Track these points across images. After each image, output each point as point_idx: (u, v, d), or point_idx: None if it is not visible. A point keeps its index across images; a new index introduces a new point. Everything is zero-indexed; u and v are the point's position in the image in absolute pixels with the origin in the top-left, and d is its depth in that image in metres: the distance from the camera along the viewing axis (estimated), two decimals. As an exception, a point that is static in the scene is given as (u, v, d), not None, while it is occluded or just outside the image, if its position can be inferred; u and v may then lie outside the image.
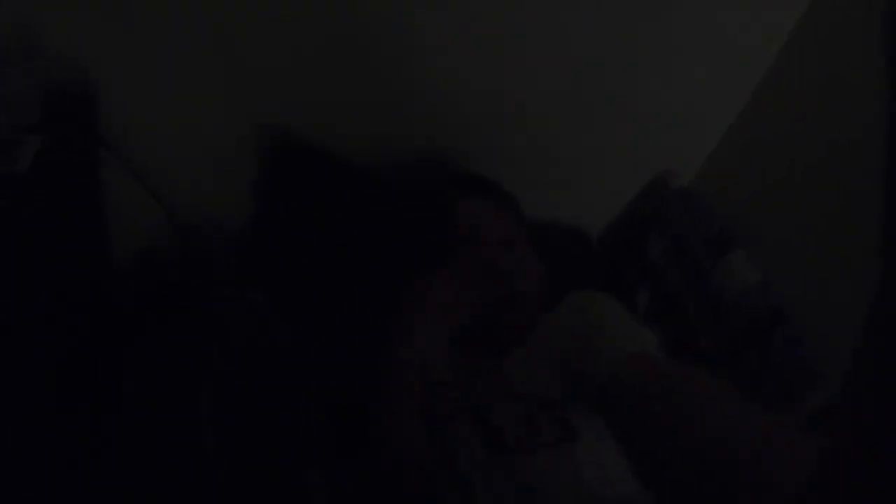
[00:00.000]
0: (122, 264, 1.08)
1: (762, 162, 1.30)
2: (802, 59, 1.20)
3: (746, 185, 1.33)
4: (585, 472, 0.79)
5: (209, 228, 1.20)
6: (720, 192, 1.36)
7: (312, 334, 0.99)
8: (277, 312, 0.95)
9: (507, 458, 0.83)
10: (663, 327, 1.31)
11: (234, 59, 1.07)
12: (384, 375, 0.86)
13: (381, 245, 1.05)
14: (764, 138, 1.30)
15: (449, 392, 0.93)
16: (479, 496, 0.80)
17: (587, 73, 1.20)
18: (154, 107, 1.10)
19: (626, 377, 0.71)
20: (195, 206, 1.20)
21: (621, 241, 1.47)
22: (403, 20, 1.07)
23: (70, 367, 0.88)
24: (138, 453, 0.85)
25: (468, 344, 0.99)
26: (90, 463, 0.83)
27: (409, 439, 0.84)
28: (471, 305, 0.92)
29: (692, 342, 1.24)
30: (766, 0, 1.14)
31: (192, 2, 0.99)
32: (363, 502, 0.87)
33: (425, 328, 0.88)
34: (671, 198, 1.37)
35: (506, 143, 1.29)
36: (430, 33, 1.09)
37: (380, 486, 0.83)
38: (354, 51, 1.10)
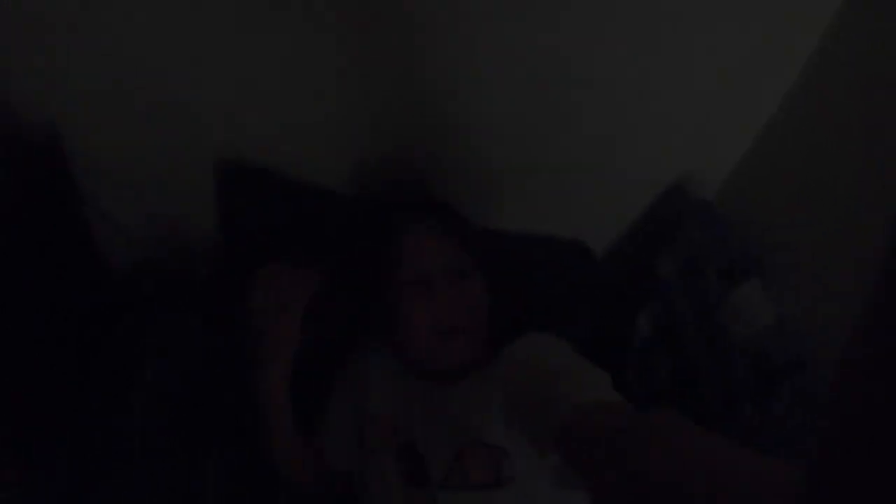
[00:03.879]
0: (77, 285, 1.07)
1: (791, 179, 1.13)
2: (833, 69, 1.02)
3: (772, 204, 1.17)
4: None
5: (165, 249, 1.19)
6: (743, 211, 1.20)
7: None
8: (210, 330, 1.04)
9: (427, 492, 0.87)
10: (661, 358, 1.18)
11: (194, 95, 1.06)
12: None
13: (328, 273, 1.01)
14: (794, 153, 1.13)
15: (380, 424, 0.95)
16: None
17: (604, 76, 1.07)
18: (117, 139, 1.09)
19: (588, 419, 0.71)
20: (155, 230, 1.19)
21: (630, 255, 1.33)
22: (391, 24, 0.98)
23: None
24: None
25: (418, 375, 1.00)
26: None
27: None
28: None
29: (690, 381, 1.12)
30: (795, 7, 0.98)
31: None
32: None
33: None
34: (689, 211, 1.21)
35: (514, 153, 1.19)
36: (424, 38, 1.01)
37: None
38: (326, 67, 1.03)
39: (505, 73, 1.05)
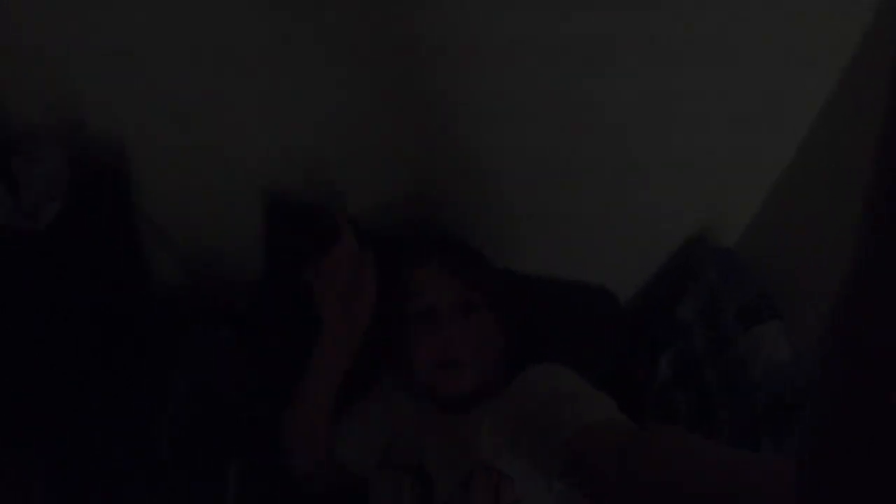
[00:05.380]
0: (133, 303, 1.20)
1: (810, 226, 1.16)
2: (850, 115, 1.06)
3: (792, 250, 1.19)
4: None
5: (213, 276, 1.31)
6: (764, 257, 1.23)
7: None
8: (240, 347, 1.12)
9: None
10: (683, 396, 1.20)
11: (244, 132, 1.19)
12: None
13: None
14: (814, 200, 1.16)
15: (396, 448, 0.98)
16: None
17: (625, 124, 1.14)
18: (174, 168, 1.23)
19: (594, 440, 0.73)
20: (203, 255, 1.31)
21: (653, 300, 1.37)
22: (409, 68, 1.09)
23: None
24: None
25: (426, 399, 1.02)
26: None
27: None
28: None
29: (711, 417, 1.13)
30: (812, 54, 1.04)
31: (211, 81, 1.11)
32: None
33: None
34: (708, 256, 1.26)
35: (537, 201, 1.26)
36: (446, 80, 1.10)
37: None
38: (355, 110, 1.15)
39: (529, 119, 1.12)
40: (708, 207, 1.27)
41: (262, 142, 1.20)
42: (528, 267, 1.30)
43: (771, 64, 1.05)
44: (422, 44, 1.05)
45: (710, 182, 1.22)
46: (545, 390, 0.89)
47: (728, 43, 1.02)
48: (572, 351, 1.26)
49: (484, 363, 1.01)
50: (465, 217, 1.28)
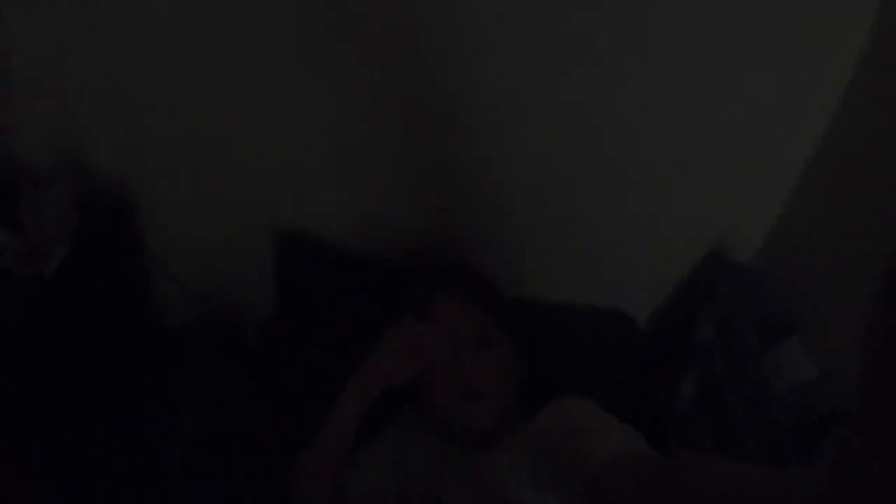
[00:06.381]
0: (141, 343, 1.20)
1: (829, 239, 1.14)
2: (864, 124, 1.05)
3: (811, 265, 1.17)
4: None
5: (222, 314, 1.30)
6: (782, 272, 1.21)
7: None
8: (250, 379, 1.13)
9: None
10: (707, 421, 1.18)
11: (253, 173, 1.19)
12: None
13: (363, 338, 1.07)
14: (832, 212, 1.14)
15: (416, 483, 0.97)
16: None
17: (636, 139, 1.13)
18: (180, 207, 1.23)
19: (617, 471, 0.72)
20: (212, 292, 1.30)
21: (670, 323, 1.35)
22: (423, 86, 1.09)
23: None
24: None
25: (447, 436, 1.01)
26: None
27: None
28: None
29: (736, 441, 1.10)
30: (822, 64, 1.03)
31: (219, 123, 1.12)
32: None
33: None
34: (722, 275, 1.24)
35: (547, 220, 1.25)
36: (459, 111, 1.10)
37: None
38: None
39: (538, 137, 1.12)
40: (722, 223, 1.25)
41: (271, 179, 1.19)
42: (542, 291, 1.29)
43: (785, 72, 1.04)
44: (431, 69, 1.05)
45: (725, 196, 1.20)
46: (566, 424, 0.88)
47: (740, 51, 1.01)
48: (591, 378, 1.25)
49: (505, 394, 1.01)
50: (478, 243, 1.27)
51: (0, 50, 1.05)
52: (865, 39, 0.99)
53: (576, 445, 0.80)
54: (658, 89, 1.06)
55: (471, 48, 1.03)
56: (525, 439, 0.92)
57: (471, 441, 0.98)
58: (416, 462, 1.01)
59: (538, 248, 1.28)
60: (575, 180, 1.19)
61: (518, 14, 0.99)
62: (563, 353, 1.25)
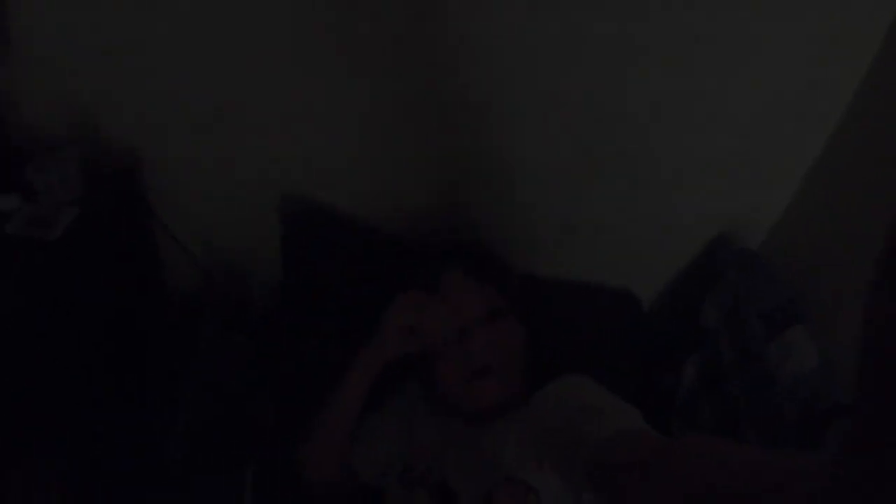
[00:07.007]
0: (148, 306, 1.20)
1: (836, 229, 1.13)
2: (875, 115, 1.04)
3: (818, 254, 1.16)
4: None
5: (228, 279, 1.30)
6: (789, 258, 1.20)
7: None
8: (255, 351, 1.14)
9: None
10: (710, 402, 1.18)
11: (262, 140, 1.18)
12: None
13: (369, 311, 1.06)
14: (841, 200, 1.13)
15: (417, 462, 0.97)
16: None
17: (646, 126, 1.13)
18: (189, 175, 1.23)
19: (621, 451, 0.72)
20: (219, 258, 1.30)
21: (676, 306, 1.34)
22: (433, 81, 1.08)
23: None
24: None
25: (451, 413, 1.01)
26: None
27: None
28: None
29: (736, 427, 1.10)
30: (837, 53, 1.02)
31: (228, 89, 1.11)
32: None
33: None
34: (730, 259, 1.23)
35: (558, 204, 1.26)
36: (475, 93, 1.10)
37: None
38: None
39: (550, 123, 1.12)
40: (731, 208, 1.25)
41: (280, 146, 1.19)
42: (550, 270, 1.29)
43: (795, 61, 1.03)
44: (444, 50, 1.04)
45: (733, 183, 1.20)
46: (571, 403, 0.88)
47: (749, 41, 1.01)
48: (596, 356, 1.25)
49: (511, 369, 1.01)
50: (488, 221, 1.27)
51: (7, 15, 1.04)
52: (881, 36, 0.98)
53: (580, 425, 0.81)
54: (672, 81, 1.05)
55: (486, 30, 1.02)
56: (529, 417, 0.93)
57: (475, 418, 0.98)
58: (420, 436, 1.01)
59: (549, 225, 1.28)
60: (588, 164, 1.18)
61: (528, 8, 0.98)
62: (568, 333, 1.25)
